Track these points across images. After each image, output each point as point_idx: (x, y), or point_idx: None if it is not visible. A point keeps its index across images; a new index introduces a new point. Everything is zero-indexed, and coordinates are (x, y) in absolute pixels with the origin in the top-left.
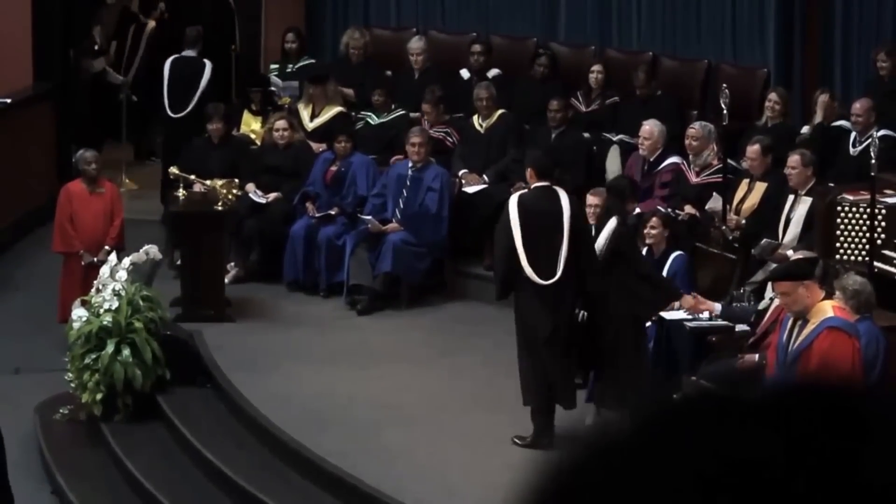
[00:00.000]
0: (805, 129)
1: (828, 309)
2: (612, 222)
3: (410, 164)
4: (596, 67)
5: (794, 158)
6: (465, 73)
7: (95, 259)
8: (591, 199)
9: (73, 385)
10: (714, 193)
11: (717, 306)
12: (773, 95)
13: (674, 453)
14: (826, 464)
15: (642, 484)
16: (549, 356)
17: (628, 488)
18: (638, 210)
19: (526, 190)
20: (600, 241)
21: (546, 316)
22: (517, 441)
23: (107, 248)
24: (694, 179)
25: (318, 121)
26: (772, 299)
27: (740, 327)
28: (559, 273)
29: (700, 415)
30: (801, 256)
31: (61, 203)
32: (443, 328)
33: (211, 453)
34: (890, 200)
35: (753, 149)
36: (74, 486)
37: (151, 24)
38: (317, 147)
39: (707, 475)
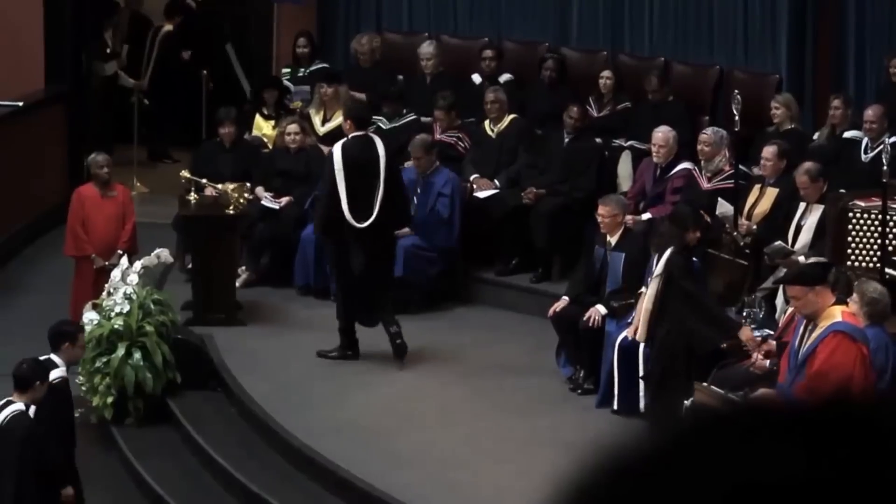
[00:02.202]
0: (816, 136)
1: (836, 314)
2: (669, 251)
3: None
4: (605, 73)
5: (802, 179)
6: (476, 78)
7: (107, 263)
8: (602, 210)
9: (84, 388)
10: (720, 199)
11: None
12: (773, 101)
13: (699, 470)
14: (852, 480)
15: (667, 500)
16: (363, 287)
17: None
18: (649, 216)
19: (346, 139)
20: (657, 270)
21: (362, 254)
22: (323, 354)
23: (119, 251)
24: (706, 185)
25: (330, 125)
26: (785, 311)
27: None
28: (374, 216)
29: (724, 431)
30: (813, 261)
31: (73, 206)
32: (454, 333)
33: (221, 456)
34: None
35: (770, 150)
36: (85, 489)
37: (168, 27)
38: (328, 151)
39: (733, 493)
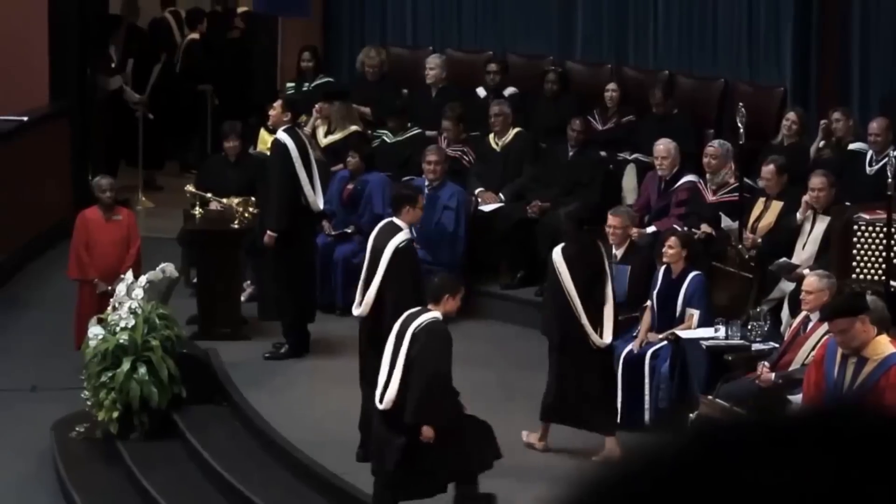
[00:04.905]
0: (814, 149)
1: (888, 344)
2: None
3: (426, 183)
4: (611, 86)
5: (821, 181)
6: (481, 92)
7: (110, 288)
8: (613, 220)
9: (89, 403)
10: (721, 214)
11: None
12: (790, 115)
13: (714, 481)
14: (868, 489)
15: None
16: (309, 278)
17: None
18: (654, 229)
19: (286, 127)
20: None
21: (311, 242)
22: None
23: (122, 277)
24: (710, 198)
25: (332, 137)
26: (790, 325)
27: (756, 346)
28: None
29: (739, 440)
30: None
31: (77, 229)
32: (459, 347)
33: (227, 471)
34: None
35: (768, 169)
36: None
37: (194, 35)
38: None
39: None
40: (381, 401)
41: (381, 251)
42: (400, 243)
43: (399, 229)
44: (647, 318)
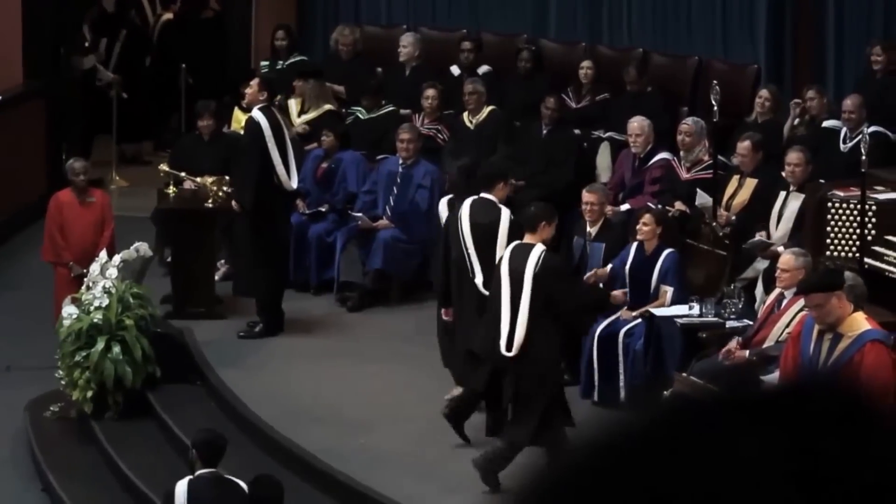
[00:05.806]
0: (788, 126)
1: (863, 321)
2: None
3: (400, 161)
4: (585, 64)
5: (797, 156)
6: (455, 70)
7: (85, 271)
8: (590, 197)
9: (63, 382)
10: (698, 190)
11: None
12: (763, 92)
13: (684, 455)
14: (831, 464)
15: (647, 486)
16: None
17: (634, 489)
18: (628, 206)
19: (261, 106)
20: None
21: (285, 219)
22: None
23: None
24: (685, 175)
25: (307, 116)
26: (764, 302)
27: (731, 324)
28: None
29: (711, 415)
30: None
31: (51, 212)
32: (433, 325)
33: None
34: (880, 196)
35: (744, 145)
36: (65, 484)
37: (168, 15)
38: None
39: (716, 477)
40: (509, 348)
41: (484, 227)
42: (511, 217)
43: (496, 205)
44: (603, 272)
